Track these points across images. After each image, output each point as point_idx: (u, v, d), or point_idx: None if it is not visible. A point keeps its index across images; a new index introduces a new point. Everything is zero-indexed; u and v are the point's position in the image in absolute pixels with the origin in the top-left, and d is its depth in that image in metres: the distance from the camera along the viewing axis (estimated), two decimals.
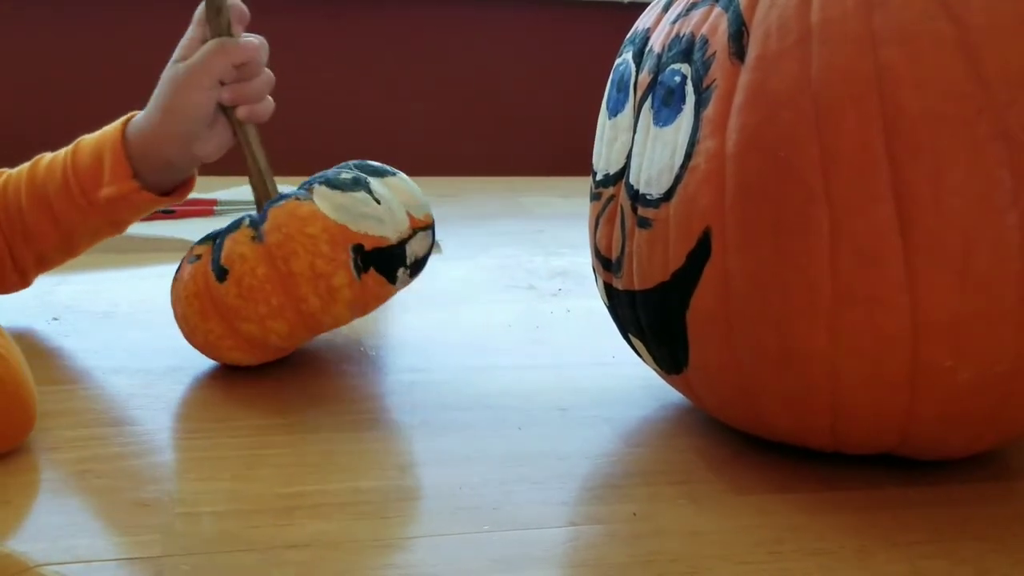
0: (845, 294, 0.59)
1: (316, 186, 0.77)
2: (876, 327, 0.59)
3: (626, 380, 0.79)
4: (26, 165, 0.85)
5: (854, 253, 0.59)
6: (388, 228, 0.77)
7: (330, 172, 0.80)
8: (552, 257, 1.12)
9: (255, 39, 0.81)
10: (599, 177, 0.72)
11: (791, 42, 0.61)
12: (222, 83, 0.80)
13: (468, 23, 2.41)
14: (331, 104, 2.36)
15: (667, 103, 0.66)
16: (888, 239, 0.58)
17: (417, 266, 0.81)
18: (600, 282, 0.73)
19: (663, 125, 0.66)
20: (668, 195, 0.64)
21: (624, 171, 0.69)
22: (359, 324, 0.90)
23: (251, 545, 0.57)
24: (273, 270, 0.74)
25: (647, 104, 0.67)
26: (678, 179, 0.64)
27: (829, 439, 0.65)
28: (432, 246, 0.83)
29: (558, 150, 2.34)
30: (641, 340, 0.71)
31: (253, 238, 0.75)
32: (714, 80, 0.63)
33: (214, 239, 0.77)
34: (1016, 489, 0.68)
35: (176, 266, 0.79)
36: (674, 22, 0.68)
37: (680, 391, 0.73)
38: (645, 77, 0.68)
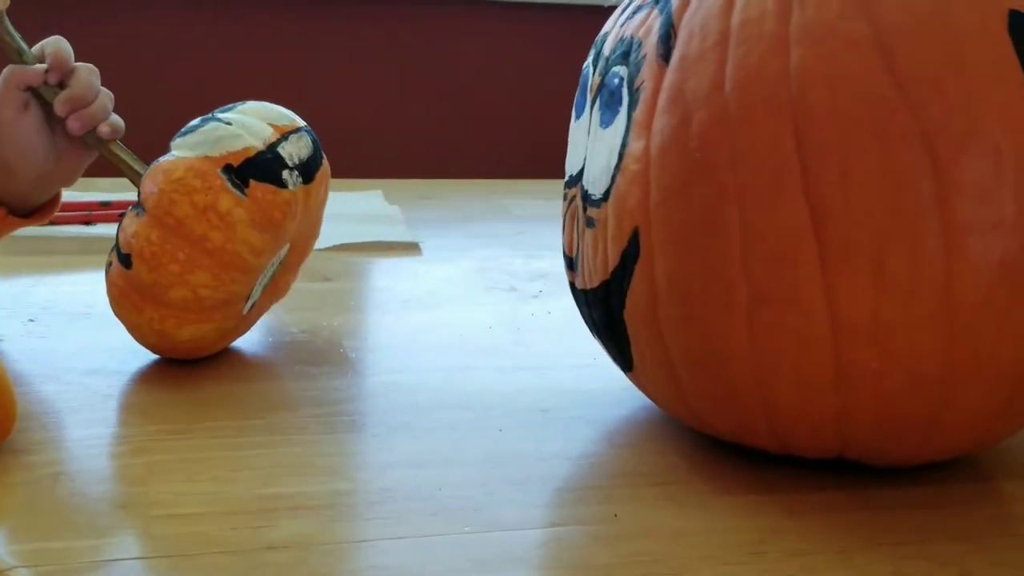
0: (760, 295, 0.59)
1: (172, 143, 0.78)
2: (793, 328, 0.59)
3: (607, 381, 0.79)
4: None
5: (766, 254, 0.59)
6: (249, 139, 0.77)
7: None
8: (533, 259, 1.12)
9: (76, 67, 0.82)
10: (566, 178, 0.73)
11: (711, 43, 0.61)
12: (61, 114, 0.80)
13: (449, 26, 2.41)
14: (310, 107, 2.35)
15: (608, 105, 0.66)
16: (801, 240, 0.58)
17: (306, 168, 0.81)
18: (568, 282, 0.74)
19: (605, 127, 0.67)
20: (606, 195, 0.65)
21: (582, 172, 0.69)
22: (339, 326, 0.90)
23: (230, 547, 0.56)
24: (164, 228, 0.74)
25: (595, 106, 0.68)
26: (613, 179, 0.65)
27: (772, 441, 0.65)
28: (314, 146, 0.83)
29: (539, 152, 2.34)
30: (598, 338, 0.72)
31: (137, 214, 0.75)
32: (643, 81, 0.64)
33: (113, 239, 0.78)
34: (994, 490, 0.68)
35: None
36: (621, 25, 0.68)
37: (640, 390, 0.73)
38: (596, 80, 0.69)
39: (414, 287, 1.02)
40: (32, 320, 0.87)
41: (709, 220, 0.60)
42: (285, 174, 0.78)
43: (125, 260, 0.75)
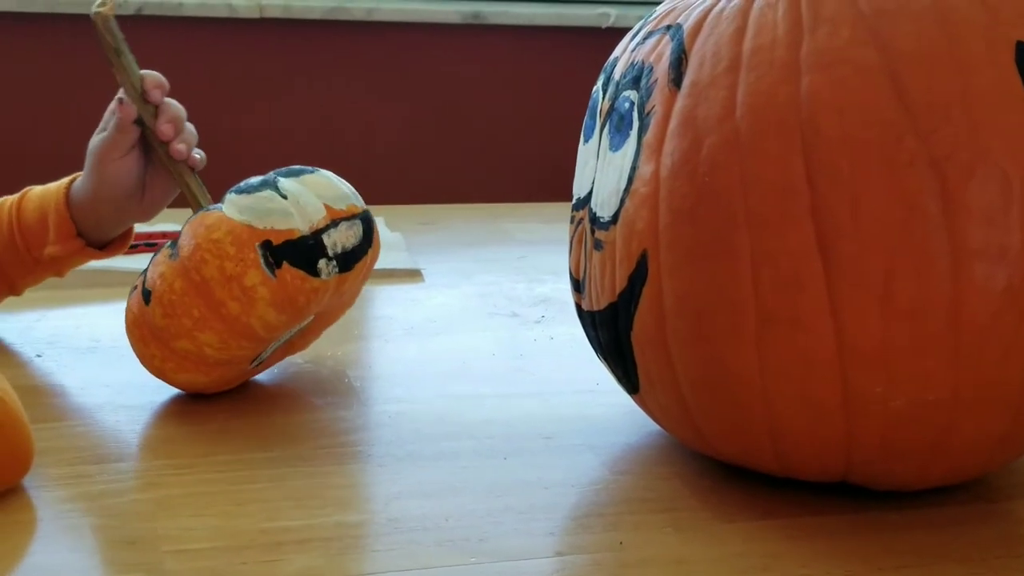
0: (769, 317, 0.60)
1: (227, 195, 0.78)
2: (801, 351, 0.60)
3: (610, 407, 0.80)
4: None
5: (774, 276, 0.60)
6: (297, 220, 0.76)
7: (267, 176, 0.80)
8: (535, 284, 1.12)
9: (169, 106, 0.83)
10: (574, 200, 0.73)
11: (722, 69, 0.62)
12: (164, 135, 0.82)
13: (448, 50, 2.42)
14: (310, 132, 2.36)
15: (619, 129, 0.67)
16: (808, 263, 0.59)
17: (347, 258, 0.79)
18: (575, 304, 0.74)
19: (615, 150, 0.67)
20: (615, 218, 0.66)
21: (590, 194, 0.70)
22: (343, 355, 0.91)
23: None
24: (188, 282, 0.74)
25: (605, 129, 0.69)
26: (622, 202, 0.66)
27: (775, 464, 0.66)
28: (364, 236, 0.81)
29: (540, 176, 2.35)
30: (604, 361, 0.73)
31: (171, 256, 0.76)
32: (654, 106, 0.65)
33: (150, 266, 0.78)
34: (996, 511, 0.68)
35: None
36: (633, 50, 0.69)
37: (645, 412, 0.73)
38: (606, 104, 0.70)
39: (416, 314, 1.03)
40: (39, 356, 0.88)
41: (718, 243, 0.61)
42: (321, 263, 0.77)
43: (146, 296, 0.75)
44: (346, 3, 2.32)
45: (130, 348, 0.78)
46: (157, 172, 0.84)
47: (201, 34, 2.25)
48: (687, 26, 0.65)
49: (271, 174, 0.80)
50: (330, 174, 0.81)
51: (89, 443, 0.74)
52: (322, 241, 0.77)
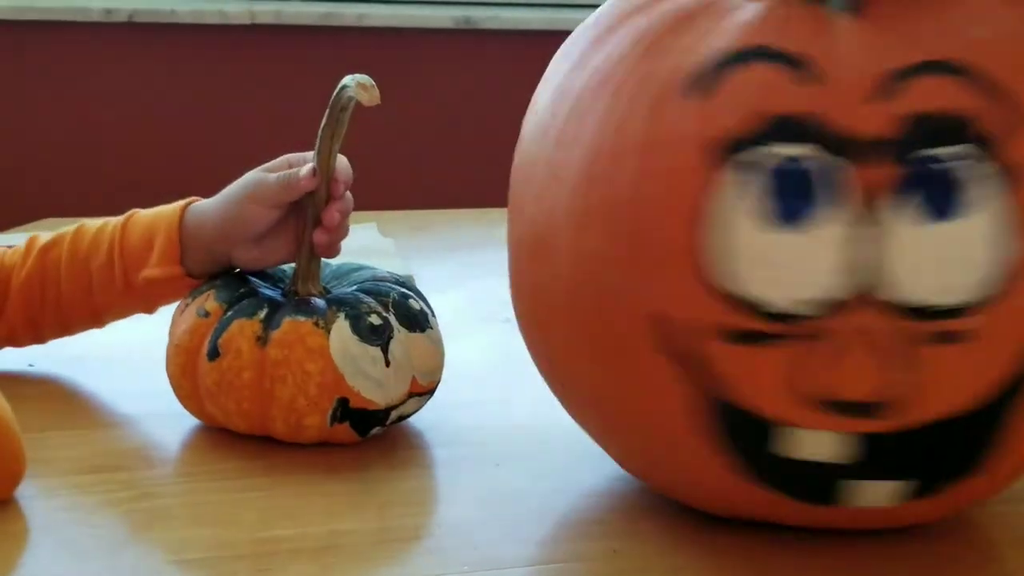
0: None
1: (339, 318, 0.74)
2: None
3: None
4: (69, 231, 0.84)
5: None
6: (381, 394, 0.74)
7: (367, 302, 0.76)
8: None
9: (344, 199, 0.82)
10: (782, 309, 0.57)
11: None
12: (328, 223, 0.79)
13: (440, 55, 2.43)
14: (304, 137, 2.36)
15: (941, 195, 0.56)
16: None
17: (396, 422, 0.78)
18: (820, 437, 0.59)
19: (939, 219, 0.56)
20: (982, 304, 0.56)
21: (865, 287, 0.56)
22: None
23: None
24: (257, 382, 0.73)
25: (893, 200, 0.56)
26: (991, 284, 0.56)
27: None
28: (422, 406, 0.80)
29: None
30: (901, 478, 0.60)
31: (258, 338, 0.73)
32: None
33: (230, 303, 0.76)
34: (985, 545, 0.68)
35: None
36: (887, 104, 0.57)
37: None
38: (879, 171, 0.56)
39: None
40: (32, 365, 0.88)
41: None
42: (375, 430, 0.76)
43: (212, 351, 0.73)
44: (337, 8, 2.32)
45: (126, 357, 0.78)
46: (280, 238, 0.81)
47: (193, 41, 2.25)
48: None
49: (390, 306, 0.77)
50: (437, 337, 0.80)
51: (82, 453, 0.74)
52: (389, 414, 0.76)
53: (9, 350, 0.90)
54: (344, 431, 0.74)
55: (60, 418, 0.80)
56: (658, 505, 0.68)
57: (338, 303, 0.76)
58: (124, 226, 0.83)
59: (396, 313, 0.77)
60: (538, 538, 0.64)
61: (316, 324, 0.73)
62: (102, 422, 0.79)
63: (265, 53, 2.33)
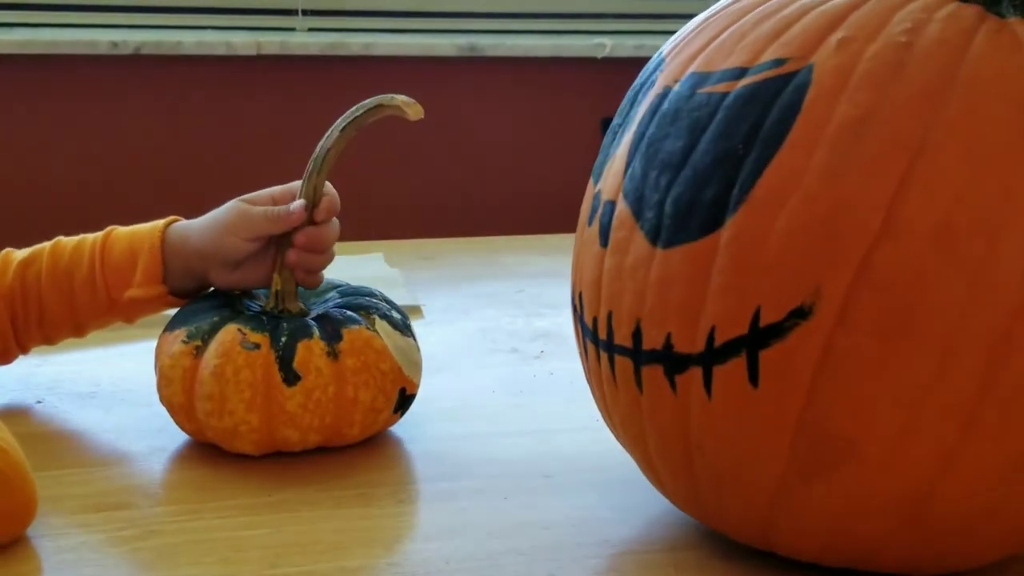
0: None
1: (377, 319, 0.80)
2: None
3: (611, 444, 0.79)
4: (47, 246, 0.85)
5: None
6: (419, 376, 0.82)
7: (375, 303, 0.82)
8: (534, 318, 1.13)
9: (330, 226, 0.83)
10: None
11: None
12: (296, 244, 0.81)
13: (445, 82, 2.43)
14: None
15: None
16: None
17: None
18: None
19: None
20: None
21: None
22: None
23: None
24: (341, 393, 0.76)
25: None
26: None
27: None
28: None
29: (538, 207, 2.36)
30: None
31: (328, 353, 0.76)
32: None
33: (269, 331, 0.77)
34: None
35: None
36: None
37: None
38: None
39: None
40: (40, 402, 0.88)
41: None
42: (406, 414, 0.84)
43: (292, 377, 0.75)
44: (343, 39, 2.34)
45: (134, 393, 0.78)
46: (260, 263, 0.82)
47: (199, 72, 2.26)
48: None
49: (392, 309, 0.83)
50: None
51: (89, 491, 0.74)
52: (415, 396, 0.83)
53: (16, 387, 0.90)
54: (396, 418, 0.82)
55: (67, 456, 0.79)
56: (668, 537, 0.68)
57: (350, 303, 0.82)
58: (104, 244, 0.84)
59: (394, 309, 0.84)
60: (546, 571, 0.64)
61: (368, 329, 0.79)
62: (108, 459, 0.79)
63: (271, 84, 2.34)
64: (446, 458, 0.79)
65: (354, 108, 0.82)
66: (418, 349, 0.83)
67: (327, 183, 0.83)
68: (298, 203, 0.81)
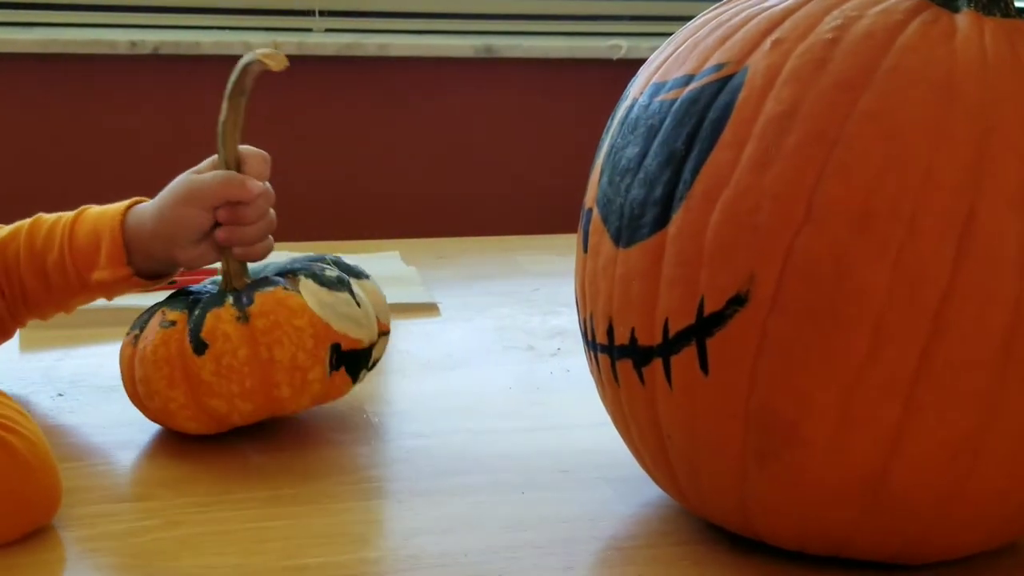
0: None
1: (302, 279, 0.79)
2: None
3: None
4: (25, 224, 0.87)
5: None
6: (363, 331, 0.80)
7: (313, 265, 0.82)
8: (549, 316, 1.13)
9: (261, 186, 0.82)
10: None
11: None
12: (218, 220, 0.81)
13: (461, 83, 2.44)
14: (325, 168, 2.38)
15: None
16: None
17: (372, 367, 0.84)
18: None
19: None
20: None
21: None
22: (361, 391, 0.91)
23: None
24: (254, 354, 0.75)
25: None
26: None
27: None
28: (385, 348, 0.87)
29: (553, 207, 2.36)
30: None
31: (238, 318, 0.76)
32: None
33: (189, 308, 0.78)
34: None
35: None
36: None
37: None
38: None
39: (433, 349, 1.04)
40: (61, 395, 0.89)
41: None
42: (362, 372, 0.82)
43: (199, 346, 0.75)
44: (359, 39, 2.34)
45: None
46: (213, 240, 0.83)
47: (218, 72, 2.26)
48: None
49: (335, 268, 0.82)
50: (376, 284, 0.85)
51: (112, 482, 0.75)
52: (371, 353, 0.82)
53: (38, 380, 0.91)
54: (341, 378, 0.79)
55: (88, 448, 0.80)
56: (682, 530, 0.68)
57: (286, 270, 0.81)
58: (72, 225, 0.85)
59: (339, 268, 0.83)
60: (563, 564, 0.64)
61: (285, 289, 0.78)
62: (128, 452, 0.79)
63: (288, 84, 2.35)
64: (463, 453, 0.80)
65: (231, 77, 0.82)
66: (359, 304, 0.80)
67: (257, 149, 0.83)
68: (239, 175, 0.81)
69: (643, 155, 0.63)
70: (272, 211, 0.84)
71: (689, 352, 0.60)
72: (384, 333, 0.84)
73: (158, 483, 0.75)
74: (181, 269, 0.86)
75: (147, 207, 0.84)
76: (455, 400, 0.91)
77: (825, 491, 0.60)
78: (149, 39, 2.21)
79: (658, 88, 0.65)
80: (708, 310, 0.59)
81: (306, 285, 0.78)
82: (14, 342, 0.96)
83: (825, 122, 0.57)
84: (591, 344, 0.68)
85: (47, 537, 0.66)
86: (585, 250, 0.68)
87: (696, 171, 0.60)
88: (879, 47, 0.59)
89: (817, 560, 0.64)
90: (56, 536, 0.67)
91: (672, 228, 0.61)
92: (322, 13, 2.39)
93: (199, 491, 0.73)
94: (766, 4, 0.64)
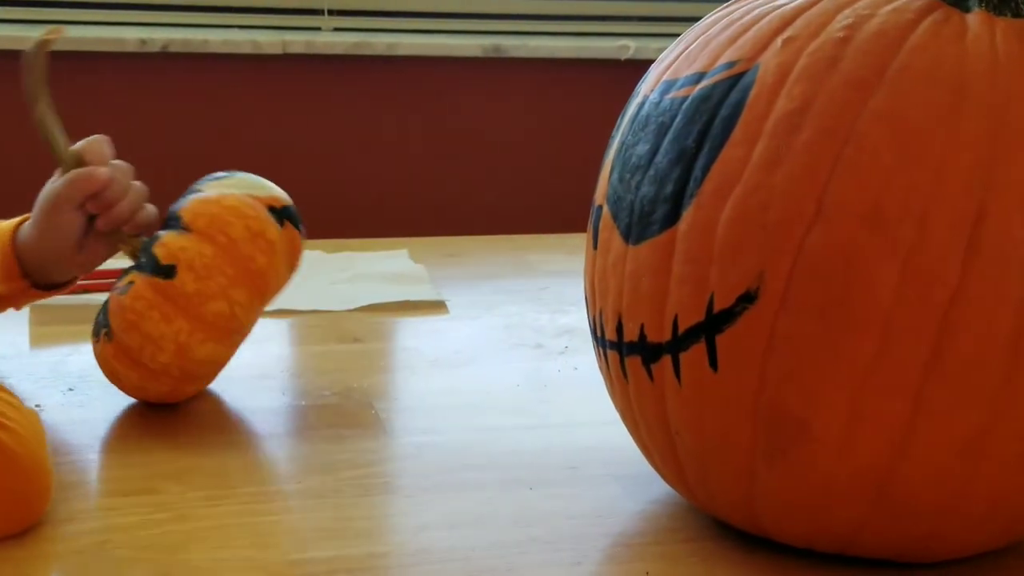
0: None
1: (192, 195, 0.84)
2: None
3: None
4: None
5: None
6: (274, 192, 0.86)
7: (181, 201, 0.85)
8: (558, 315, 1.13)
9: (113, 166, 0.85)
10: None
11: None
12: (90, 212, 0.83)
13: (469, 83, 2.44)
14: (334, 166, 2.39)
15: None
16: None
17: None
18: None
19: None
20: None
21: None
22: (369, 387, 0.91)
23: None
24: (216, 245, 0.80)
25: None
26: None
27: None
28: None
29: (561, 207, 2.36)
30: None
31: (180, 233, 0.80)
32: None
33: (132, 270, 0.81)
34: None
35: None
36: None
37: None
38: None
39: (441, 346, 1.04)
40: (71, 389, 0.89)
41: None
42: (301, 227, 0.87)
43: (168, 270, 0.78)
44: (368, 38, 2.35)
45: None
46: (96, 239, 0.85)
47: (226, 70, 2.28)
48: None
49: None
50: (247, 177, 0.88)
51: (118, 475, 0.75)
52: (294, 209, 0.87)
53: (48, 375, 0.91)
54: (291, 232, 0.85)
55: (96, 442, 0.81)
56: (691, 527, 0.68)
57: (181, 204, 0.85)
58: None
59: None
60: (572, 560, 0.65)
61: (197, 196, 0.83)
62: (136, 445, 0.80)
63: (297, 82, 2.35)
64: (472, 449, 0.80)
65: (26, 79, 0.87)
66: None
67: (95, 135, 0.86)
68: (85, 169, 0.83)
69: (654, 152, 0.63)
70: (138, 182, 0.87)
71: (698, 349, 0.60)
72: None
73: (167, 477, 0.75)
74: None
75: (27, 225, 0.86)
76: (463, 397, 0.91)
77: (833, 489, 0.60)
78: (158, 37, 2.21)
79: (669, 85, 0.65)
80: (718, 307, 0.59)
81: (205, 190, 0.84)
82: (24, 338, 0.96)
83: (836, 121, 0.58)
84: (600, 340, 0.69)
85: (55, 531, 0.66)
86: (595, 247, 0.68)
87: (707, 168, 0.60)
88: (890, 46, 0.59)
89: (825, 557, 0.65)
90: (66, 529, 0.67)
91: (682, 225, 0.61)
92: (331, 12, 2.39)
93: (208, 485, 0.73)
94: (778, 2, 0.64)
